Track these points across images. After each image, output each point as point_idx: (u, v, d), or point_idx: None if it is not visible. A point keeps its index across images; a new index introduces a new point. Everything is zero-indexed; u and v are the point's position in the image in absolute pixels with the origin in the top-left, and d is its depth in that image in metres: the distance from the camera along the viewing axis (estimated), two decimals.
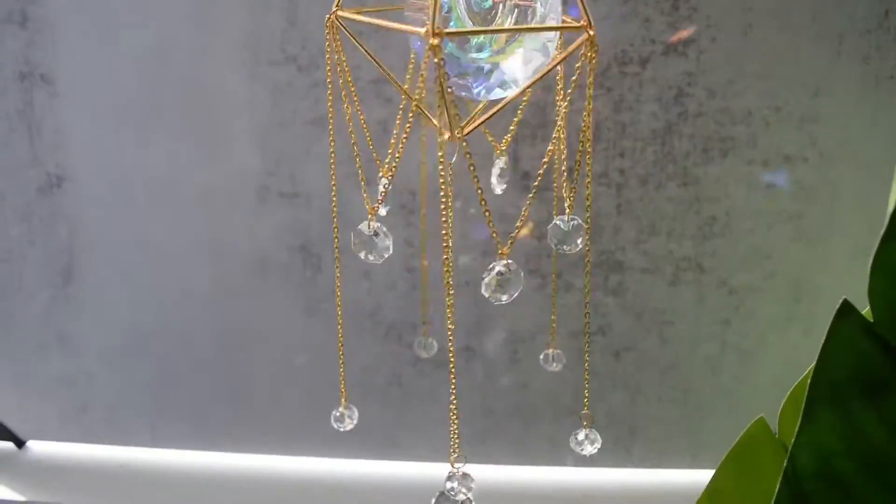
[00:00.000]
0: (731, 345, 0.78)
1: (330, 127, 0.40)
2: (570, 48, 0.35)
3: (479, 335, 0.80)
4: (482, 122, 0.35)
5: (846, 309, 0.44)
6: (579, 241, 0.38)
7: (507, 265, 0.34)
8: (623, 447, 0.83)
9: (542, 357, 0.55)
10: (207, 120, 0.74)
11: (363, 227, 0.38)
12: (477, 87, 0.37)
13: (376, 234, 0.38)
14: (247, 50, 0.72)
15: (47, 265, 0.81)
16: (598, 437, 0.44)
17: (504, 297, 0.35)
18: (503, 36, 0.35)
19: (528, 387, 0.80)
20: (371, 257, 0.38)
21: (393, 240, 0.40)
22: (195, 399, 0.84)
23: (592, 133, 0.71)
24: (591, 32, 0.35)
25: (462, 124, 0.34)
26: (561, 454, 0.83)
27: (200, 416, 0.85)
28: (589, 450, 0.43)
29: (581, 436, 0.44)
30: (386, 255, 0.39)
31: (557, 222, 0.38)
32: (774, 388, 0.70)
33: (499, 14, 0.35)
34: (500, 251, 0.34)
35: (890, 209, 0.43)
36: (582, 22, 0.35)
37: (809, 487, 0.47)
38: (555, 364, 0.55)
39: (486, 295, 0.35)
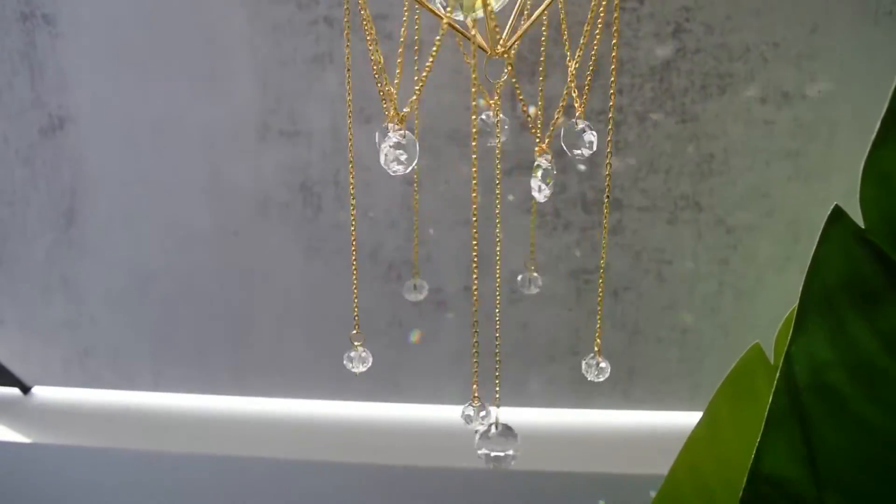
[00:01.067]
0: (730, 284, 0.79)
1: (347, 65, 0.39)
2: None
3: (480, 275, 0.80)
4: (521, 35, 0.35)
5: (837, 214, 0.44)
6: (588, 140, 0.39)
7: (403, 135, 0.35)
8: (621, 389, 0.83)
9: (518, 280, 0.55)
10: (208, 59, 0.74)
11: (392, 134, 0.36)
12: None
13: (404, 139, 0.37)
14: None
15: (50, 207, 0.81)
16: (608, 365, 0.45)
17: (399, 169, 0.36)
18: None
19: (528, 326, 0.81)
20: (400, 168, 0.36)
21: (395, 179, 0.40)
22: (197, 342, 0.85)
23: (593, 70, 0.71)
24: None
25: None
26: (561, 395, 0.84)
27: (202, 359, 0.86)
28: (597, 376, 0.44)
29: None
30: (413, 164, 0.37)
31: (570, 124, 0.38)
32: (772, 328, 0.70)
33: None
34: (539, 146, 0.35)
35: (882, 116, 0.43)
36: None
37: (802, 398, 0.47)
38: (532, 288, 0.55)
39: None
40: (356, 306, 0.41)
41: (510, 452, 0.39)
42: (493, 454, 0.39)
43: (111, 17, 0.75)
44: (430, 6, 0.37)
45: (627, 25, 0.71)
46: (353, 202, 0.39)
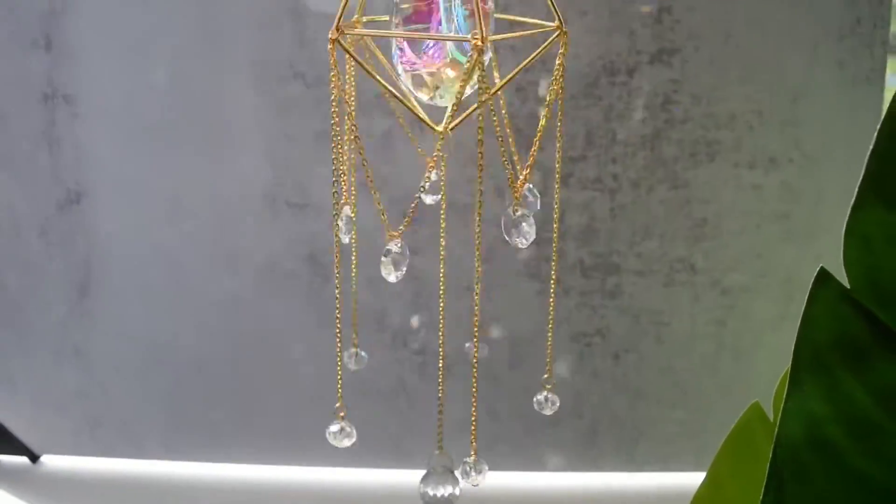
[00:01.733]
0: (727, 345, 0.81)
1: (332, 145, 0.42)
2: (545, 45, 0.39)
3: (480, 339, 0.82)
4: (465, 117, 0.38)
5: (823, 276, 0.46)
6: (525, 231, 0.38)
7: (398, 245, 0.38)
8: (625, 451, 0.84)
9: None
10: (220, 135, 0.78)
11: (391, 246, 0.39)
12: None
13: (400, 252, 0.39)
14: (257, 68, 0.76)
15: (65, 279, 0.84)
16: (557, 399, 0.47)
17: (391, 278, 0.39)
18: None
19: (530, 390, 0.82)
20: (396, 276, 0.39)
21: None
22: (208, 410, 0.86)
23: (583, 148, 0.75)
24: (564, 30, 0.39)
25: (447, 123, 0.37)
26: (565, 458, 0.85)
27: (213, 427, 0.87)
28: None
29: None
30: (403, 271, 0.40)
31: (508, 211, 0.38)
32: (772, 385, 0.72)
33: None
34: (389, 233, 0.38)
35: (859, 181, 0.46)
36: (555, 23, 0.40)
37: (800, 455, 0.48)
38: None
39: (383, 273, 0.38)
40: (340, 378, 0.43)
41: (453, 493, 0.40)
42: (435, 494, 0.40)
43: (128, 97, 0.79)
44: (402, 99, 0.39)
45: (618, 99, 0.74)
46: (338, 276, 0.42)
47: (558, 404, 0.47)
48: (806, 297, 0.46)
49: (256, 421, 0.86)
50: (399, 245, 0.38)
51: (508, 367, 0.82)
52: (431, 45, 0.40)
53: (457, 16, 0.41)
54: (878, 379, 0.45)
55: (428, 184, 0.43)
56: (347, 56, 0.39)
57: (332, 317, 0.81)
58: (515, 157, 0.42)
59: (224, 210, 0.80)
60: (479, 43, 0.35)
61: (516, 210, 0.38)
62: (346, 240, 0.43)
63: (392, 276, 0.39)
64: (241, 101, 0.77)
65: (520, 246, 0.38)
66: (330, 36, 0.36)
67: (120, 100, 0.79)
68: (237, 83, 0.77)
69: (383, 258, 0.38)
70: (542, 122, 0.40)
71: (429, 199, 0.47)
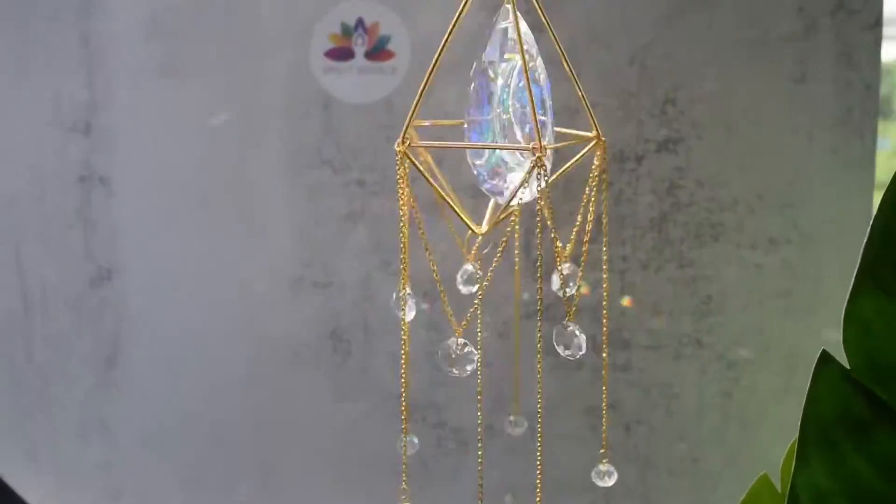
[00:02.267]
0: (734, 416, 0.84)
1: (402, 256, 0.43)
2: (583, 152, 0.44)
3: (499, 413, 0.85)
4: (503, 218, 0.42)
5: (825, 358, 0.50)
6: (468, 367, 0.41)
7: (459, 343, 0.40)
8: None
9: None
10: (249, 217, 0.82)
11: (451, 343, 0.41)
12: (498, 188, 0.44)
13: (465, 349, 0.41)
14: (287, 154, 0.81)
15: (93, 353, 0.87)
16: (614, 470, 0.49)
17: (456, 371, 0.40)
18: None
19: (547, 461, 0.85)
20: (456, 371, 0.41)
21: (418, 324, 0.45)
22: (228, 484, 0.88)
23: (595, 224, 0.79)
24: (602, 139, 0.44)
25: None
26: None
27: (234, 500, 0.89)
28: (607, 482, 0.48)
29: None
30: (469, 369, 0.41)
31: (448, 343, 0.41)
32: (778, 455, 0.75)
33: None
34: (456, 329, 0.40)
35: (856, 270, 0.50)
36: (593, 133, 0.44)
37: None
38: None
39: (444, 368, 0.40)
40: (405, 461, 0.45)
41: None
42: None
43: (161, 180, 0.83)
44: (459, 213, 0.42)
45: (627, 184, 0.79)
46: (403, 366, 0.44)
47: (616, 475, 0.50)
48: (810, 372, 0.50)
49: (277, 494, 0.88)
50: (462, 342, 0.40)
51: (524, 440, 0.84)
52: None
53: (503, 100, 0.45)
54: (881, 453, 0.48)
55: (466, 276, 0.47)
56: (401, 158, 0.42)
57: (351, 391, 0.84)
58: (560, 257, 0.45)
59: (251, 288, 0.84)
60: (539, 152, 0.39)
61: (567, 326, 0.41)
62: (410, 316, 0.43)
63: (457, 372, 0.40)
64: (271, 185, 0.81)
65: (570, 358, 0.41)
66: (397, 148, 0.40)
67: (153, 182, 0.83)
68: (268, 168, 0.81)
69: (445, 356, 0.40)
70: (588, 226, 0.44)
71: (464, 290, 0.51)
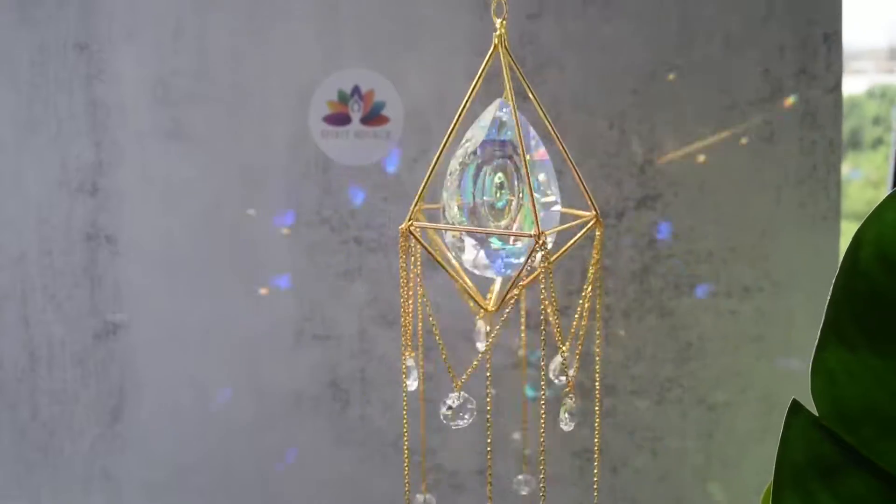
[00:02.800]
0: (716, 456, 0.88)
1: (403, 327, 0.47)
2: (583, 232, 0.48)
3: (494, 459, 0.89)
4: (511, 298, 0.46)
5: (796, 407, 0.55)
6: (466, 417, 0.47)
7: (459, 397, 0.45)
8: None
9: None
10: (251, 274, 0.86)
11: (452, 399, 0.45)
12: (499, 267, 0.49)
13: (465, 402, 0.46)
14: (287, 213, 0.85)
15: (98, 405, 0.90)
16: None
17: (461, 423, 0.45)
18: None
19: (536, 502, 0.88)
20: (461, 423, 0.46)
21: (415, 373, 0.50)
22: None
23: (578, 282, 0.83)
24: (600, 219, 0.48)
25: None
26: None
27: None
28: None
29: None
30: (469, 419, 0.46)
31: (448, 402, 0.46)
32: (758, 494, 0.79)
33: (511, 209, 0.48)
34: (455, 384, 0.45)
35: (821, 325, 0.55)
36: (591, 213, 0.49)
37: None
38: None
39: (445, 422, 0.45)
40: None
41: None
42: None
43: (165, 239, 0.87)
44: (468, 291, 0.47)
45: (609, 239, 0.84)
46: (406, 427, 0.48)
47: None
48: (784, 412, 0.54)
49: None
50: (460, 396, 0.45)
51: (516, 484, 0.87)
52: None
53: (486, 184, 0.50)
54: (849, 492, 0.53)
55: (480, 334, 0.51)
56: (405, 238, 0.46)
57: (350, 437, 0.88)
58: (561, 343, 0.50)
59: (252, 341, 0.87)
60: (539, 239, 0.43)
61: (564, 403, 0.46)
62: (412, 387, 0.49)
63: (460, 423, 0.45)
64: (273, 242, 0.85)
65: (564, 428, 0.46)
66: (401, 228, 0.44)
67: (157, 241, 0.87)
68: (269, 226, 0.85)
69: (446, 411, 0.45)
70: (585, 302, 0.48)
71: (480, 346, 0.55)
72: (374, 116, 0.82)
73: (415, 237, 0.44)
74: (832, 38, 0.83)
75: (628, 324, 0.85)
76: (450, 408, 0.45)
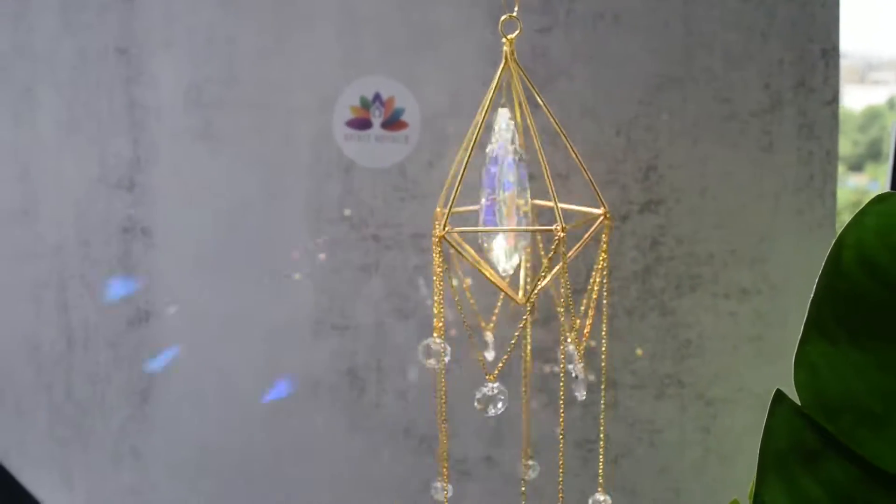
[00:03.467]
0: (713, 450, 0.92)
1: (436, 333, 0.51)
2: (593, 229, 0.52)
3: (498, 446, 0.93)
4: (541, 288, 0.50)
5: (779, 396, 0.59)
6: (499, 406, 0.50)
7: (492, 388, 0.48)
8: None
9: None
10: (275, 266, 0.91)
11: (486, 388, 0.49)
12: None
13: (497, 392, 0.49)
14: (310, 210, 0.90)
15: (129, 387, 0.95)
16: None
17: (491, 412, 0.49)
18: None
19: (542, 492, 0.93)
20: (492, 411, 0.49)
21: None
22: None
23: (584, 281, 0.88)
24: (609, 215, 0.52)
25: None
26: None
27: None
28: None
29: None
30: (502, 408, 0.50)
31: (484, 389, 0.50)
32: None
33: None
34: (487, 377, 0.48)
35: (804, 320, 0.59)
36: (601, 210, 0.52)
37: None
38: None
39: (478, 408, 0.48)
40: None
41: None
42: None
43: (197, 232, 0.92)
44: (502, 286, 0.50)
45: (614, 240, 0.89)
46: None
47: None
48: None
49: None
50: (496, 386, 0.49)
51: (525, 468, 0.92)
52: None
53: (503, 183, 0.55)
54: (828, 476, 0.57)
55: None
56: (441, 252, 0.48)
57: (365, 424, 0.93)
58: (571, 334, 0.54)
59: (275, 331, 0.92)
60: (561, 232, 0.48)
61: (577, 376, 0.50)
62: (435, 364, 0.52)
63: (492, 411, 0.48)
64: (296, 238, 0.91)
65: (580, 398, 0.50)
66: (436, 234, 0.48)
67: (189, 235, 0.93)
68: (293, 223, 0.91)
69: (478, 401, 0.48)
70: (592, 298, 0.52)
71: (489, 356, 0.60)
72: (393, 121, 0.88)
73: (450, 244, 0.47)
74: (830, 53, 0.88)
75: (631, 321, 0.90)
76: (485, 396, 0.49)
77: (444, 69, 0.88)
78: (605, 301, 0.55)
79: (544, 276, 0.49)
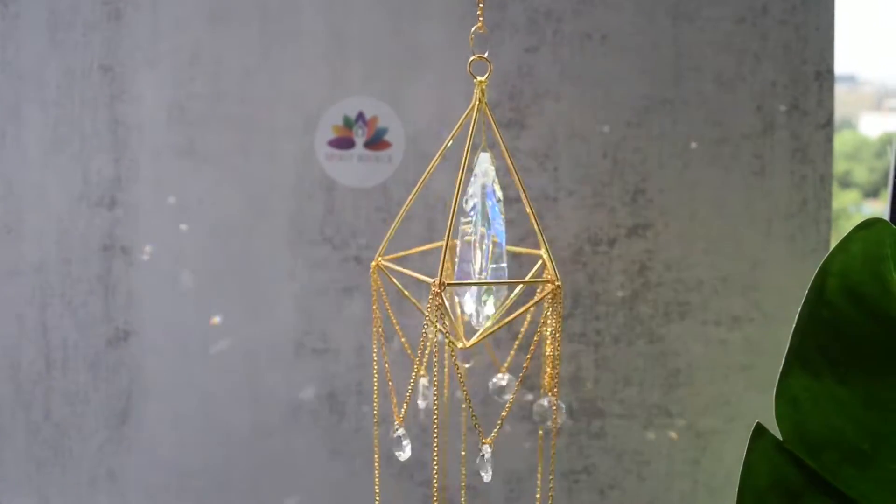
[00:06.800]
0: (702, 482, 0.89)
1: (375, 358, 0.50)
2: (539, 297, 0.49)
3: (480, 475, 0.91)
4: (485, 335, 0.49)
5: (759, 430, 0.57)
6: (405, 449, 0.52)
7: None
8: None
9: None
10: (255, 287, 0.90)
11: (398, 432, 0.50)
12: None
13: (401, 438, 0.50)
14: (292, 231, 0.89)
15: (107, 408, 0.93)
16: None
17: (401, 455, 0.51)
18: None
19: None
20: (401, 455, 0.51)
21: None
22: None
23: (570, 307, 0.86)
24: (557, 284, 0.48)
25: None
26: None
27: None
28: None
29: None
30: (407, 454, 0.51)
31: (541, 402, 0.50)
32: None
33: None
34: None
35: (785, 355, 0.57)
36: (549, 276, 0.49)
37: None
38: None
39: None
40: None
41: None
42: None
43: (176, 251, 0.91)
44: (435, 323, 0.49)
45: (601, 265, 0.87)
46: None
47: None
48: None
49: None
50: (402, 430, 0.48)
51: (505, 501, 0.90)
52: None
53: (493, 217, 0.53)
54: None
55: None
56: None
57: (345, 448, 0.90)
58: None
59: (255, 352, 0.91)
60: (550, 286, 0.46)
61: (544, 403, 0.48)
62: (404, 457, 0.52)
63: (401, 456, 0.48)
64: (277, 258, 0.89)
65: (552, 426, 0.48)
66: (372, 264, 0.46)
67: (169, 253, 0.91)
68: (274, 243, 0.89)
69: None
70: (550, 356, 0.51)
71: (422, 405, 0.58)
72: (376, 141, 0.86)
73: (385, 273, 0.46)
74: (824, 76, 0.86)
75: (618, 349, 0.87)
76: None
77: (429, 89, 0.86)
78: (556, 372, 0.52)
79: (492, 329, 0.47)
